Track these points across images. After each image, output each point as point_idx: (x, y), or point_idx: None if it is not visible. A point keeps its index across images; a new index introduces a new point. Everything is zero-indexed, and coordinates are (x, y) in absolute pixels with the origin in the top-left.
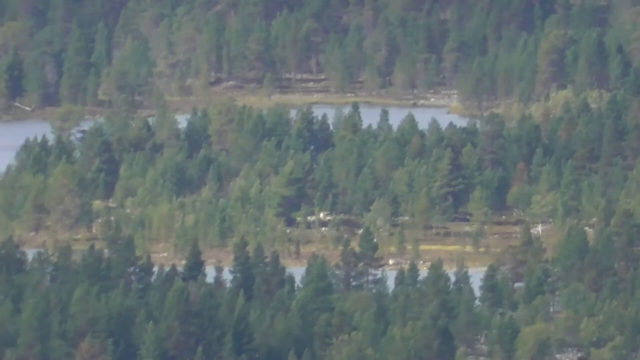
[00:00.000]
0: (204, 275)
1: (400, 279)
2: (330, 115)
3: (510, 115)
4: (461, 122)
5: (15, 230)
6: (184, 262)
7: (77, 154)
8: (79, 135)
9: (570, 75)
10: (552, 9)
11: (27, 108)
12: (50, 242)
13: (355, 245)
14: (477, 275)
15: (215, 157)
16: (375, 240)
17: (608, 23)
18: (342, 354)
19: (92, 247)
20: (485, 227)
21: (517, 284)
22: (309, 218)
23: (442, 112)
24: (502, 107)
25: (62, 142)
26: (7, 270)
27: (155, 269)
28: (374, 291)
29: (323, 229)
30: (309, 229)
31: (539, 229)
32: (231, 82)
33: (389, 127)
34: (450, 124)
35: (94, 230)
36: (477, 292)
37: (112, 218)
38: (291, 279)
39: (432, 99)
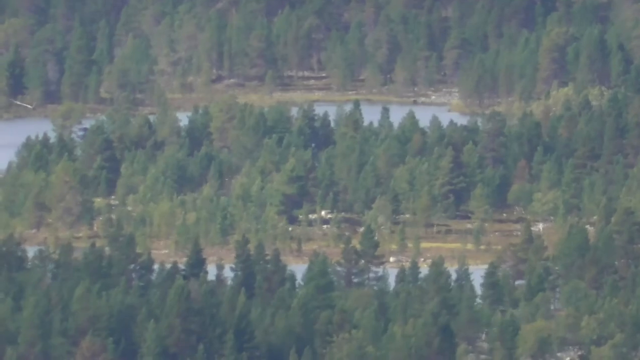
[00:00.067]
0: (205, 273)
1: (401, 277)
2: (332, 112)
3: (512, 113)
4: (462, 120)
5: (16, 228)
6: (185, 259)
7: (78, 152)
8: (80, 132)
9: (571, 72)
10: (554, 6)
11: (29, 106)
12: (51, 240)
13: (356, 242)
14: (478, 273)
15: (216, 154)
16: (376, 237)
17: (609, 20)
18: (343, 351)
19: (93, 244)
20: (486, 224)
21: (517, 282)
22: (310, 216)
23: (443, 110)
24: (503, 105)
25: (64, 139)
26: (8, 267)
27: (156, 266)
28: (375, 289)
29: (324, 226)
30: (310, 227)
31: (539, 226)
32: (232, 80)
33: (390, 124)
34: (452, 121)
35: (95, 228)
36: (478, 290)
37: (113, 216)
38: (292, 277)
39: (433, 97)
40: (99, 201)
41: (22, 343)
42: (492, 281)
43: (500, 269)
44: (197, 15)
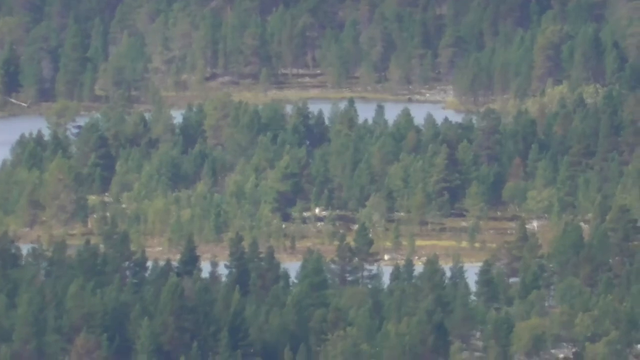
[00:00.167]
0: (199, 270)
1: (395, 274)
2: (326, 110)
3: (506, 110)
4: (457, 118)
5: (10, 226)
6: (179, 257)
7: (73, 149)
8: (74, 130)
9: (566, 70)
10: (549, 4)
11: (23, 104)
12: (45, 237)
13: (350, 240)
14: (472, 271)
15: (210, 152)
16: (370, 235)
17: (604, 18)
18: (338, 349)
19: (87, 242)
20: (481, 222)
21: (512, 279)
22: (304, 213)
23: (438, 108)
24: (498, 103)
25: (58, 137)
26: (2, 265)
27: (150, 264)
28: (369, 286)
29: (319, 224)
30: (304, 224)
31: (534, 224)
32: (227, 78)
33: (385, 122)
34: (446, 119)
35: (89, 225)
36: (473, 288)
37: (108, 213)
38: (286, 274)
39: (428, 95)
40: (93, 199)
41: (16, 340)
42: (486, 279)
43: (495, 266)
44: (192, 13)
